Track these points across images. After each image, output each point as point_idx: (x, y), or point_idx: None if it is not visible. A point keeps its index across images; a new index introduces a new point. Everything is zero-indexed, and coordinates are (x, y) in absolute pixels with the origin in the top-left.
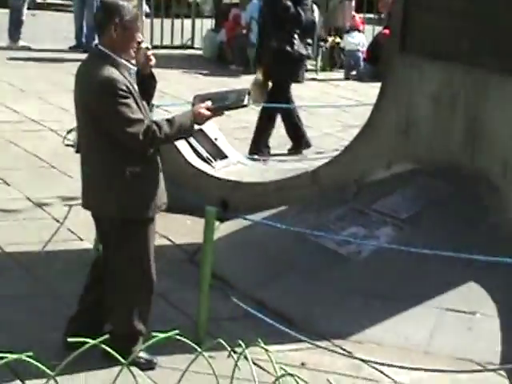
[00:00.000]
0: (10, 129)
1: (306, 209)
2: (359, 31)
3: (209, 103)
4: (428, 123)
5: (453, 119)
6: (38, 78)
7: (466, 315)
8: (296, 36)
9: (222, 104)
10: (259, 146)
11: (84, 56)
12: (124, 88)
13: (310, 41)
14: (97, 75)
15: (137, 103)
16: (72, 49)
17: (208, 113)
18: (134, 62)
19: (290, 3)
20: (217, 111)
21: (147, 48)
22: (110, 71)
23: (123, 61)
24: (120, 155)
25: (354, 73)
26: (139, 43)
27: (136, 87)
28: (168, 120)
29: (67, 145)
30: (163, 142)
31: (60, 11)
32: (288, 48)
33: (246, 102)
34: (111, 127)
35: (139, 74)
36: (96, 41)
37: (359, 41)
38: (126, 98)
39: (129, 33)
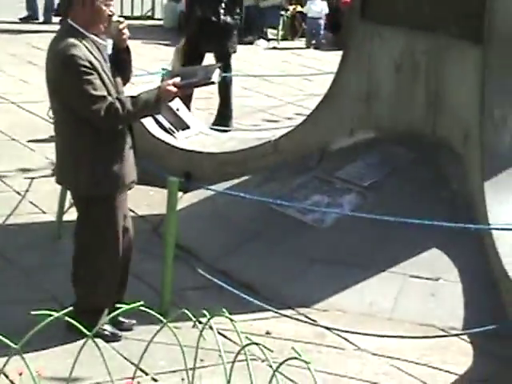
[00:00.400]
0: None
1: (269, 178)
2: None
3: (177, 79)
4: (390, 91)
5: (414, 87)
6: None
7: (429, 281)
8: (222, 5)
9: (190, 80)
10: (224, 117)
11: (38, 27)
12: (86, 64)
13: (238, 10)
14: (60, 52)
15: (102, 79)
16: (22, 20)
17: (175, 89)
18: (105, 36)
19: None
20: (184, 88)
21: (118, 21)
22: (74, 47)
23: (92, 36)
24: (87, 132)
25: (313, 41)
26: (110, 16)
27: (104, 63)
28: (132, 97)
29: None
30: (127, 119)
31: None
32: (213, 17)
33: (214, 79)
34: (74, 104)
35: (114, 48)
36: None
37: (321, 8)
38: (89, 74)
39: (98, 7)
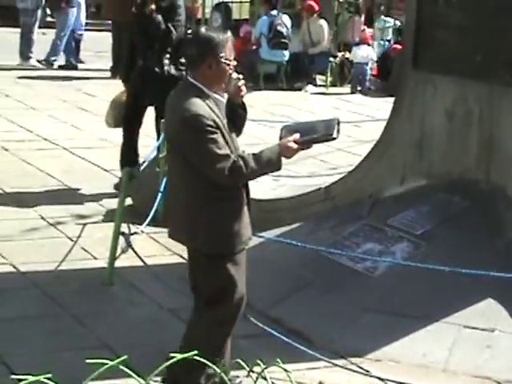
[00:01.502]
0: (23, 148)
1: (319, 225)
2: (368, 45)
3: (297, 135)
4: (442, 139)
5: (467, 135)
6: (50, 96)
7: (484, 332)
8: (167, 54)
9: (310, 137)
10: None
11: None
12: (211, 123)
13: (182, 60)
14: (184, 109)
15: (224, 137)
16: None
17: (295, 146)
18: (224, 93)
19: (160, 18)
20: (304, 144)
21: (238, 78)
22: (199, 106)
23: (214, 94)
24: (208, 189)
25: (359, 88)
26: (230, 74)
27: (225, 120)
28: (254, 154)
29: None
30: (249, 177)
31: None
32: (156, 68)
33: (335, 135)
34: (197, 162)
35: (228, 104)
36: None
37: (367, 54)
38: (213, 133)
39: (223, 68)
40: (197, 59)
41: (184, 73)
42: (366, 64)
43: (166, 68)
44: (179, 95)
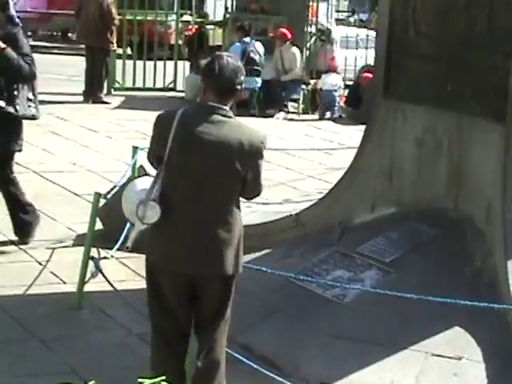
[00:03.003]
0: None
1: (290, 252)
2: (337, 73)
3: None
4: (412, 167)
5: (437, 163)
6: None
7: (451, 360)
8: (16, 93)
9: None
10: None
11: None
12: None
13: (31, 96)
14: (254, 133)
15: None
16: None
17: None
18: None
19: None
20: None
21: None
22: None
23: None
24: (239, 214)
25: (328, 114)
26: None
27: None
28: None
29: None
30: None
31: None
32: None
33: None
34: (252, 181)
35: None
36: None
37: (336, 82)
38: None
39: None
40: (241, 87)
41: (33, 111)
42: (335, 91)
43: (17, 107)
44: (217, 124)
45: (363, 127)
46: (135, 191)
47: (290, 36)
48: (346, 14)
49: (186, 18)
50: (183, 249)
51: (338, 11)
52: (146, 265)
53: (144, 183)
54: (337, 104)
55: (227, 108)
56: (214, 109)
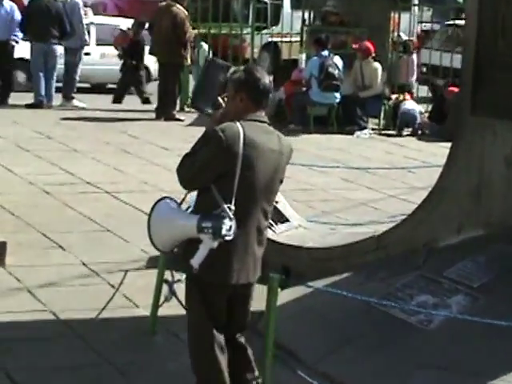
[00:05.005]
0: (64, 191)
1: (372, 275)
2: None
3: None
4: (501, 187)
5: None
6: (92, 137)
7: None
8: None
9: None
10: None
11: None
12: None
13: None
14: (286, 141)
15: None
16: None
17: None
18: None
19: None
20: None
21: None
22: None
23: None
24: None
25: (407, 131)
26: None
27: None
28: None
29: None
30: None
31: None
32: None
33: None
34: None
35: None
36: None
37: (413, 107)
38: None
39: None
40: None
41: None
42: (414, 110)
43: None
44: (270, 132)
45: (448, 144)
46: (171, 213)
47: (373, 51)
48: (429, 24)
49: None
50: (253, 260)
51: (420, 22)
52: (198, 288)
53: (168, 205)
54: (417, 121)
55: (262, 113)
56: (263, 120)
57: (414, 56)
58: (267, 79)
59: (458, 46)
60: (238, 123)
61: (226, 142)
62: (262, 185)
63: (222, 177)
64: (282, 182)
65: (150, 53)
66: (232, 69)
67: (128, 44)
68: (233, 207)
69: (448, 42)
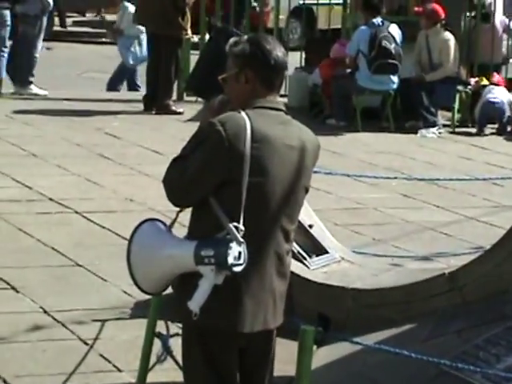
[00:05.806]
0: (19, 211)
1: (442, 328)
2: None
3: None
4: None
5: None
6: (57, 137)
7: None
8: None
9: None
10: None
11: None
12: None
13: None
14: (310, 134)
15: None
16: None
17: None
18: None
19: None
20: None
21: None
22: None
23: None
24: None
25: (491, 128)
26: None
27: None
28: None
29: None
30: None
31: (84, 42)
32: None
33: None
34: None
35: None
36: None
37: (502, 98)
38: None
39: None
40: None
41: None
42: (502, 103)
43: None
44: (289, 124)
45: None
46: (158, 239)
47: (442, 15)
48: None
49: None
50: (272, 298)
51: None
52: (199, 342)
53: (154, 228)
54: (506, 115)
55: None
56: (278, 108)
57: (499, 22)
58: (280, 51)
59: None
60: (242, 113)
61: (228, 139)
62: (280, 195)
63: (224, 186)
64: (307, 190)
65: (135, 20)
66: (233, 39)
67: None
68: (242, 227)
69: None
